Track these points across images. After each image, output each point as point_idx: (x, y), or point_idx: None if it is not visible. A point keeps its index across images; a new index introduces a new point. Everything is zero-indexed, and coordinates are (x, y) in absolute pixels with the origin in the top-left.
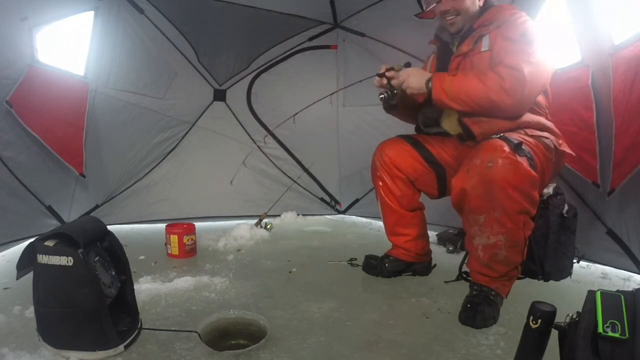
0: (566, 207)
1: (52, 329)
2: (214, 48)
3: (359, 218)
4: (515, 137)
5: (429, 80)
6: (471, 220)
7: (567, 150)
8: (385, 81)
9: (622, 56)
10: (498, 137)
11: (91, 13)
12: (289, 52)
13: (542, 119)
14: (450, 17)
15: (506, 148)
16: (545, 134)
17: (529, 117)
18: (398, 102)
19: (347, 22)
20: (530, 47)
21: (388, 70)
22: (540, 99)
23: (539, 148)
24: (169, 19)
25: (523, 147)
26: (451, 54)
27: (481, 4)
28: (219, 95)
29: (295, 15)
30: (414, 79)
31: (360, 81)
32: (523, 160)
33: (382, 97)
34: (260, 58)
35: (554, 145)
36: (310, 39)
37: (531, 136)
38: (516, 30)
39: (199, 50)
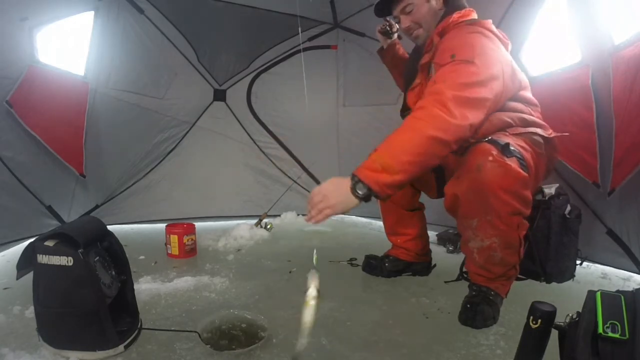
0: (568, 208)
1: (52, 329)
2: (214, 48)
3: (359, 218)
4: (502, 138)
5: (354, 183)
6: (465, 224)
7: (558, 134)
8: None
9: (622, 56)
10: (486, 141)
11: (91, 13)
12: (289, 52)
13: (524, 115)
14: (413, 32)
15: (494, 151)
16: (531, 128)
17: (507, 115)
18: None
19: (347, 22)
20: (460, 68)
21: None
22: (518, 105)
23: (528, 145)
24: (169, 19)
25: (511, 147)
26: (421, 56)
27: (439, 7)
28: (219, 95)
29: (295, 15)
30: (334, 199)
31: None
32: (512, 162)
33: (381, 27)
34: (260, 58)
35: (543, 138)
36: (310, 39)
37: (517, 134)
38: (447, 53)
39: (199, 50)
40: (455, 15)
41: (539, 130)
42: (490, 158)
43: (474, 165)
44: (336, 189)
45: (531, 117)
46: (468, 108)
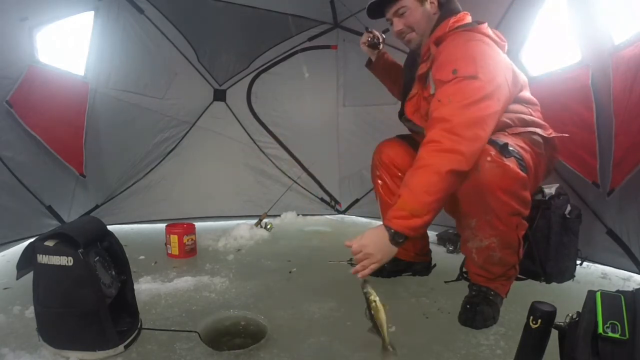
0: (569, 208)
1: (52, 329)
2: (214, 48)
3: (359, 218)
4: (501, 138)
5: (392, 234)
6: (464, 224)
7: (558, 134)
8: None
9: (622, 56)
10: None
11: (91, 13)
12: (289, 52)
13: (523, 116)
14: (405, 36)
15: (492, 151)
16: (531, 128)
17: (507, 116)
18: (379, 60)
19: (347, 22)
20: (466, 85)
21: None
22: (518, 107)
23: (527, 145)
24: (169, 19)
25: (510, 148)
26: (417, 64)
27: (434, 11)
28: (219, 95)
29: (296, 15)
30: (379, 254)
31: None
32: (510, 162)
33: (368, 41)
34: (260, 58)
35: (542, 138)
36: (310, 39)
37: (516, 134)
38: (447, 67)
39: (199, 50)
40: (451, 21)
41: (538, 130)
42: (489, 158)
43: (473, 166)
44: (377, 244)
45: (530, 117)
46: (479, 127)
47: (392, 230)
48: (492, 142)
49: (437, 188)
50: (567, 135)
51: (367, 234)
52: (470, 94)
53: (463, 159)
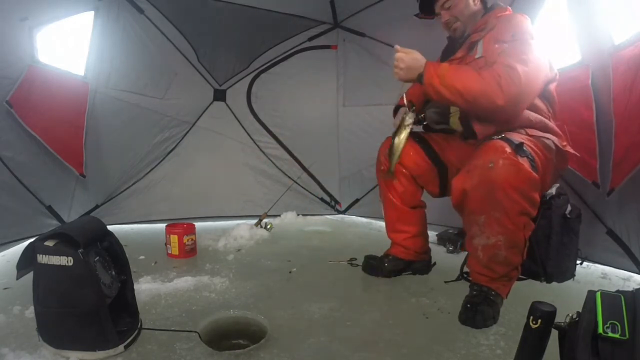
0: (569, 208)
1: (52, 329)
2: (214, 48)
3: (359, 218)
4: (516, 137)
5: (421, 73)
6: (471, 221)
7: (572, 151)
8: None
9: (622, 56)
10: (499, 138)
11: (91, 13)
12: (289, 52)
13: (545, 119)
14: (452, 25)
15: (507, 149)
16: (548, 135)
17: (531, 115)
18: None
19: (347, 22)
20: (523, 46)
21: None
22: (541, 104)
23: (539, 148)
24: (169, 19)
25: (524, 147)
26: (457, 48)
27: (477, 6)
28: (219, 95)
29: (295, 15)
30: (406, 70)
31: None
32: (524, 162)
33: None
34: (260, 58)
35: (555, 146)
36: (310, 39)
37: (532, 136)
38: (507, 31)
39: (199, 50)
40: (508, 9)
41: (554, 139)
42: (504, 156)
43: (487, 161)
44: (411, 66)
45: (551, 123)
46: (532, 95)
47: (424, 71)
48: (507, 140)
49: (469, 91)
50: (578, 154)
51: (412, 57)
52: (528, 50)
53: (500, 102)
